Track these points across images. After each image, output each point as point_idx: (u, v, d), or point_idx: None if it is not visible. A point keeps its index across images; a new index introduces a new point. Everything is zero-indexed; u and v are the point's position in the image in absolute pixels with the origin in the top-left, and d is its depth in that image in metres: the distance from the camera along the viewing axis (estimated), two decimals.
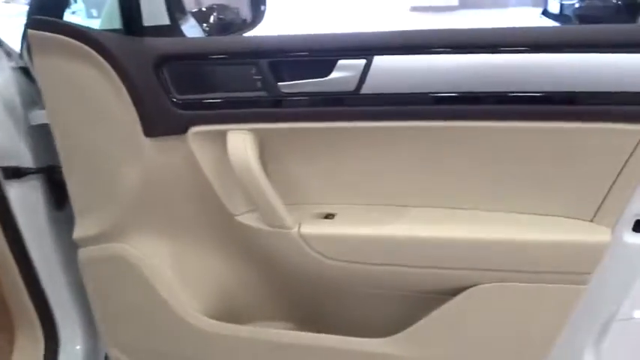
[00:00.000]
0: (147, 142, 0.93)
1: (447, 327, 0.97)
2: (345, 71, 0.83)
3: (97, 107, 0.93)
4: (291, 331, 1.10)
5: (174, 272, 1.08)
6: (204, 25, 1.67)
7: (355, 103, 0.84)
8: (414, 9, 9.90)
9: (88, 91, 0.91)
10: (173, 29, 1.05)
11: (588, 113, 0.79)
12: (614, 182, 0.84)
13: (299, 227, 0.95)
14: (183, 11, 1.56)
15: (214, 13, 1.77)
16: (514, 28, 0.81)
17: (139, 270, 1.05)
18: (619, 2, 5.86)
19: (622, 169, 0.82)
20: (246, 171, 0.89)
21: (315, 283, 1.05)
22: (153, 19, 1.01)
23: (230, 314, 1.12)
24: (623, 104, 0.78)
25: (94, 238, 1.05)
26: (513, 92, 0.80)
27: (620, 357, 1.08)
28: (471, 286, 0.92)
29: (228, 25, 1.70)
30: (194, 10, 1.73)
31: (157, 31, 1.00)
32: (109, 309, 1.15)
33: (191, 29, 1.47)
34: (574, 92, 0.78)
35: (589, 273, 0.87)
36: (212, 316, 1.09)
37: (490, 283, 0.91)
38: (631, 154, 0.80)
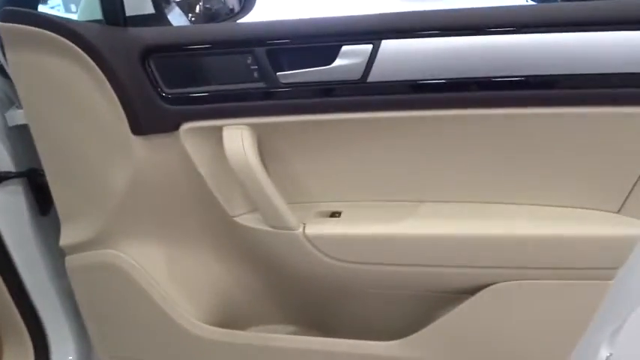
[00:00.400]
0: (135, 140, 0.86)
1: (463, 328, 0.92)
2: (349, 58, 0.76)
3: (79, 105, 0.86)
4: (296, 336, 1.05)
5: (170, 278, 1.02)
6: (190, 14, 1.60)
7: (362, 93, 0.78)
8: None
9: (68, 88, 0.84)
10: (158, 18, 0.98)
11: (612, 97, 0.73)
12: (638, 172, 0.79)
13: (304, 228, 0.89)
14: (167, 1, 1.48)
15: (200, 2, 1.69)
16: (534, 6, 0.75)
17: (131, 277, 0.99)
18: None
19: None
20: (244, 168, 0.82)
21: (322, 285, 1.00)
22: (136, 8, 0.94)
23: (231, 320, 1.07)
24: None
25: (81, 244, 0.98)
26: (533, 75, 0.74)
27: (635, 348, 1.04)
28: (488, 285, 0.87)
29: (215, 14, 1.63)
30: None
31: (141, 20, 0.93)
32: (101, 318, 1.09)
33: (177, 19, 1.39)
34: (594, 74, 0.72)
35: (616, 268, 0.82)
36: (212, 323, 1.03)
37: (509, 281, 0.86)
38: None
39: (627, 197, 0.81)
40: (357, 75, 0.76)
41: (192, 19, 1.64)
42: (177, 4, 1.61)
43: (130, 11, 0.89)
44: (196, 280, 1.05)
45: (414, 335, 0.95)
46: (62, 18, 0.81)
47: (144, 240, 0.99)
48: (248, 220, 0.92)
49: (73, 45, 0.80)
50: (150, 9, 0.96)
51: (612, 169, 0.80)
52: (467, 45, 0.74)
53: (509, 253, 0.84)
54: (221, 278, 1.05)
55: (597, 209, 0.84)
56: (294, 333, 1.13)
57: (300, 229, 0.88)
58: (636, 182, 0.79)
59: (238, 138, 0.82)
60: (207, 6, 1.70)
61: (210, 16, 1.63)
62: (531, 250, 0.83)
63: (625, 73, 0.71)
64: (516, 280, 0.85)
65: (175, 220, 0.99)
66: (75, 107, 0.86)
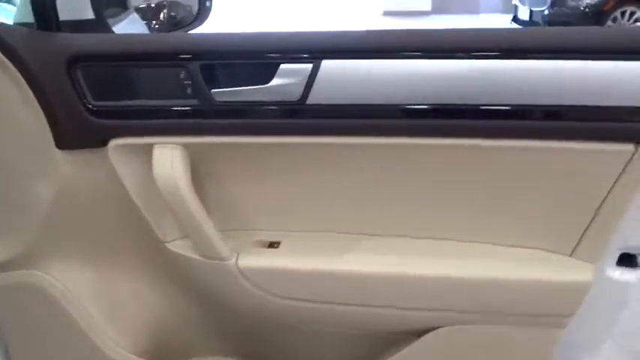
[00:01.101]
0: (60, 155, 0.79)
1: None
2: (288, 77, 0.71)
3: (1, 114, 0.79)
4: None
5: (98, 303, 0.94)
6: (154, 22, 1.54)
7: (300, 115, 0.73)
8: (387, 13, 9.90)
9: None
10: (98, 25, 0.91)
11: (568, 130, 0.69)
12: (597, 211, 0.74)
13: (236, 258, 0.82)
14: (124, 6, 1.42)
15: (164, 10, 1.64)
16: (487, 30, 0.70)
17: (56, 300, 0.91)
18: (587, 10, 5.97)
19: (606, 196, 0.72)
20: (173, 191, 0.76)
21: (257, 319, 0.93)
22: (73, 12, 0.87)
23: (163, 350, 0.99)
24: (609, 120, 0.67)
25: (4, 263, 0.91)
26: (482, 104, 0.69)
27: None
28: (435, 328, 0.82)
29: (179, 22, 1.58)
30: (140, 6, 1.59)
31: (77, 26, 0.87)
32: (23, 343, 1.01)
33: (131, 27, 1.33)
34: (551, 106, 0.68)
35: (568, 315, 0.78)
36: (142, 353, 0.96)
37: (456, 325, 0.81)
38: (617, 179, 0.71)
39: (580, 240, 0.77)
40: (295, 96, 0.71)
41: (156, 26, 1.58)
42: (138, 10, 1.55)
43: (66, 15, 0.83)
44: (127, 307, 0.97)
45: None
46: None
47: (71, 261, 0.92)
48: (179, 246, 0.86)
49: None
50: (89, 14, 0.90)
51: (565, 209, 0.75)
52: (414, 69, 0.69)
53: (456, 296, 0.79)
54: (153, 305, 0.98)
55: (549, 251, 0.79)
56: None
57: (233, 260, 0.82)
58: (589, 224, 0.75)
59: (168, 158, 0.76)
60: (173, 14, 1.64)
61: (174, 25, 1.57)
62: (479, 293, 0.78)
63: (582, 106, 0.66)
64: (463, 324, 0.80)
65: (105, 241, 0.92)
66: None
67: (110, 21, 1.29)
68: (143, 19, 1.57)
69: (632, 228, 0.76)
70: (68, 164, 0.80)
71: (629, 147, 0.67)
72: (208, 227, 0.80)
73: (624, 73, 0.65)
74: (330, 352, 0.97)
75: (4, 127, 0.80)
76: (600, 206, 0.73)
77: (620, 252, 0.79)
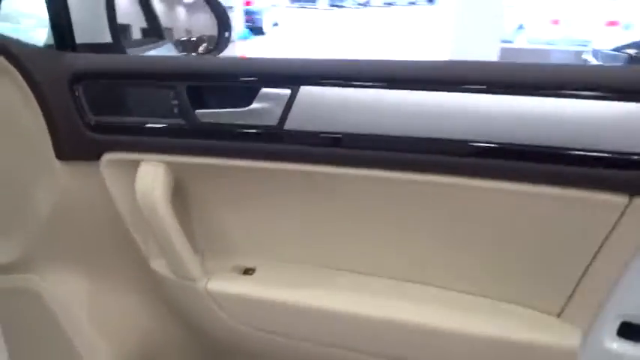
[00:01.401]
0: (59, 165, 0.83)
1: None
2: (267, 101, 0.71)
3: (7, 122, 0.84)
4: None
5: (89, 314, 0.96)
6: (188, 52, 1.62)
7: (277, 140, 0.72)
8: None
9: None
10: (114, 48, 0.97)
11: (559, 176, 0.62)
12: (586, 269, 0.66)
13: (207, 281, 0.81)
14: (161, 36, 1.51)
15: (205, 43, 1.72)
16: (482, 63, 0.65)
17: (49, 306, 0.94)
18: None
19: (597, 253, 0.65)
20: (150, 207, 0.77)
21: (231, 346, 0.90)
22: (92, 35, 0.94)
23: None
24: (601, 167, 0.60)
25: (2, 266, 0.95)
26: (465, 140, 0.64)
27: None
28: None
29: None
30: (182, 39, 1.68)
31: (94, 49, 0.93)
32: (19, 346, 1.03)
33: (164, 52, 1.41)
34: (538, 147, 0.62)
35: None
36: None
37: None
38: (608, 235, 0.63)
39: (568, 300, 0.69)
40: (273, 120, 0.71)
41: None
42: (178, 43, 1.64)
43: (85, 38, 0.89)
44: (115, 321, 0.98)
45: None
46: (2, 36, 0.81)
47: (67, 269, 0.95)
48: (160, 265, 0.86)
49: (8, 64, 0.79)
50: (107, 38, 0.96)
51: (553, 264, 0.69)
52: (392, 100, 0.67)
53: (430, 347, 0.72)
54: (141, 322, 0.99)
55: (535, 309, 0.72)
56: None
57: (203, 282, 0.81)
58: (578, 284, 0.67)
59: (151, 175, 0.77)
60: (211, 47, 1.72)
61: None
62: (454, 347, 0.71)
63: (572, 149, 0.60)
64: None
65: (98, 254, 0.94)
66: (3, 125, 0.85)
67: (144, 48, 1.38)
68: (183, 51, 1.66)
69: (632, 294, 0.66)
70: (67, 175, 0.84)
71: (623, 199, 0.60)
72: (182, 246, 0.80)
73: (623, 116, 0.59)
74: None
75: (9, 135, 0.86)
76: (590, 264, 0.66)
77: (620, 321, 0.69)
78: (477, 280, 0.74)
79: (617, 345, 0.68)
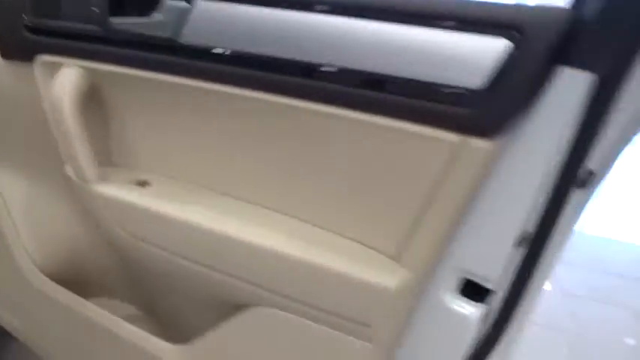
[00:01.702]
0: (2, 63, 0.90)
1: (223, 348, 0.80)
2: (168, 13, 0.74)
3: None
4: (103, 312, 0.98)
5: (25, 217, 1.01)
6: None
7: (172, 53, 0.75)
8: None
9: None
10: None
11: (393, 107, 0.60)
12: (421, 212, 0.63)
13: (100, 185, 0.85)
14: None
15: None
16: None
17: None
18: None
19: (431, 195, 0.62)
20: (56, 110, 0.81)
21: (126, 257, 0.93)
22: None
23: (75, 281, 1.02)
24: (435, 101, 0.57)
25: None
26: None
27: None
28: (253, 305, 0.77)
29: None
30: None
31: None
32: None
33: None
34: (370, 74, 0.60)
35: (368, 325, 0.67)
36: (55, 272, 1.00)
37: (271, 307, 0.74)
38: (442, 177, 0.60)
39: (404, 244, 0.67)
40: (169, 32, 0.74)
41: None
42: None
43: None
44: (50, 227, 1.03)
45: (188, 344, 0.84)
46: None
47: (8, 168, 1.00)
48: (68, 169, 0.90)
49: None
50: None
51: (388, 203, 0.66)
52: (290, 20, 0.66)
53: (273, 273, 0.73)
54: (72, 231, 1.03)
55: (374, 248, 0.70)
56: (131, 314, 1.06)
57: (97, 186, 0.85)
58: (412, 226, 0.64)
59: (66, 78, 0.82)
60: None
61: None
62: (293, 275, 0.71)
63: (403, 79, 0.58)
64: (278, 308, 0.74)
65: (36, 154, 0.99)
66: None
67: None
68: None
69: (472, 248, 0.63)
70: (8, 73, 0.91)
71: (452, 137, 0.58)
72: (81, 148, 0.83)
73: (460, 48, 0.55)
74: (186, 312, 0.94)
75: None
76: (425, 208, 0.63)
77: (459, 276, 0.65)
78: (319, 211, 0.74)
79: (456, 303, 0.66)
